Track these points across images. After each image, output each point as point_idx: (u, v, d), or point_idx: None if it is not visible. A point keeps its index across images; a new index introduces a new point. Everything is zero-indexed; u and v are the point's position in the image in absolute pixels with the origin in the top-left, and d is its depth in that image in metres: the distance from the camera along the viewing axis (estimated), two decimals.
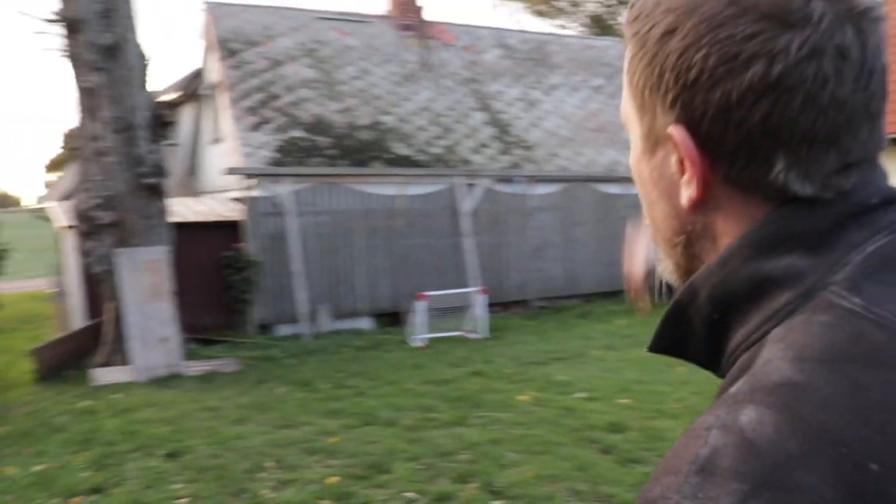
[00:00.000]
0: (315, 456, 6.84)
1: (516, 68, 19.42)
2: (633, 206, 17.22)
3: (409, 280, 14.83)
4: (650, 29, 0.79)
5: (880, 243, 0.73)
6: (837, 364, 0.65)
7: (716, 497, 0.60)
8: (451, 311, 13.88)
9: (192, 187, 20.98)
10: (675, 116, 0.78)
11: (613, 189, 17.42)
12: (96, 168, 11.06)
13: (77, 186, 11.44)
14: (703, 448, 0.64)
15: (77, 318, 13.24)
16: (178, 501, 5.83)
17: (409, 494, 5.87)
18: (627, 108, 0.86)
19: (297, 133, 15.25)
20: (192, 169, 21.15)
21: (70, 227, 12.54)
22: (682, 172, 0.79)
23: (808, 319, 0.70)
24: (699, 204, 0.80)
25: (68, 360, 11.14)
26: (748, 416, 0.63)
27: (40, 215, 18.76)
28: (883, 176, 0.78)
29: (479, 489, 5.87)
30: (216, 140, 18.45)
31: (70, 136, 11.18)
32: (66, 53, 11.29)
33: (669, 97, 0.78)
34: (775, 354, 0.69)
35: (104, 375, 10.35)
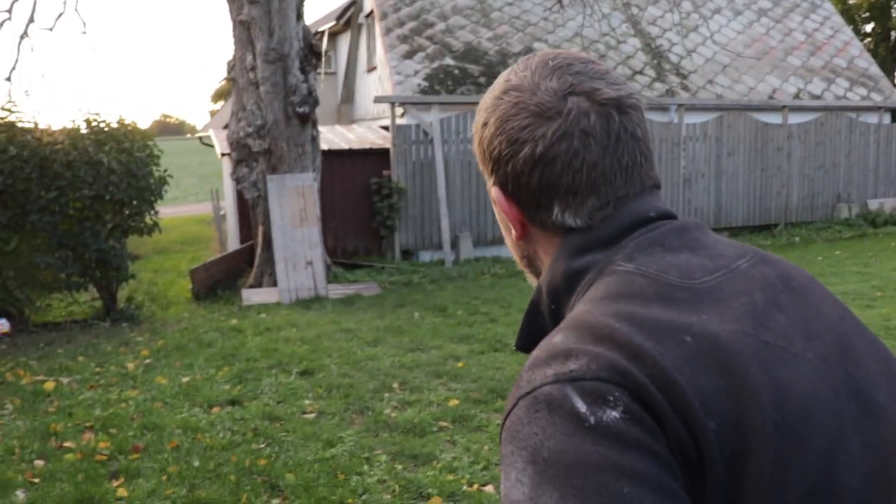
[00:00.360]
0: (440, 379, 7.06)
1: None
2: (791, 136, 16.51)
3: None
4: (478, 122, 1.16)
5: (649, 234, 1.07)
6: (612, 299, 1.00)
7: (543, 372, 0.92)
8: None
9: (347, 115, 21.50)
10: (493, 181, 1.15)
11: (772, 118, 16.69)
12: (250, 97, 11.52)
13: (232, 115, 11.95)
14: (527, 360, 0.98)
15: (232, 241, 13.96)
16: (306, 416, 6.18)
17: None
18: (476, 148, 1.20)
19: (448, 61, 15.34)
20: (349, 97, 21.63)
21: (226, 154, 13.15)
22: (506, 218, 1.17)
23: (599, 283, 1.05)
24: (523, 238, 1.18)
25: (221, 280, 11.81)
26: (556, 336, 0.98)
27: (207, 142, 19.68)
28: (658, 200, 1.13)
29: None
30: (371, 68, 18.79)
31: (230, 67, 11.64)
32: None
33: (489, 168, 1.15)
34: (576, 308, 1.05)
35: (252, 296, 10.92)
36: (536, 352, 0.98)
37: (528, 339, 1.15)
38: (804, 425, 0.91)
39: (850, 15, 30.60)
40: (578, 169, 1.06)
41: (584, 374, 0.89)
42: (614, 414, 0.86)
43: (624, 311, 0.96)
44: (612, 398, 0.87)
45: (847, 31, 20.21)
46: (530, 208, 1.12)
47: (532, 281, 1.24)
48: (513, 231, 1.17)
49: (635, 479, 0.84)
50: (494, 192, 1.15)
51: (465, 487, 4.81)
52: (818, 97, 17.66)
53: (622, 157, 1.08)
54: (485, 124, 1.13)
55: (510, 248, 1.24)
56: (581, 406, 0.87)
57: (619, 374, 0.89)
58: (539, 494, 0.85)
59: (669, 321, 0.94)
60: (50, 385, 6.98)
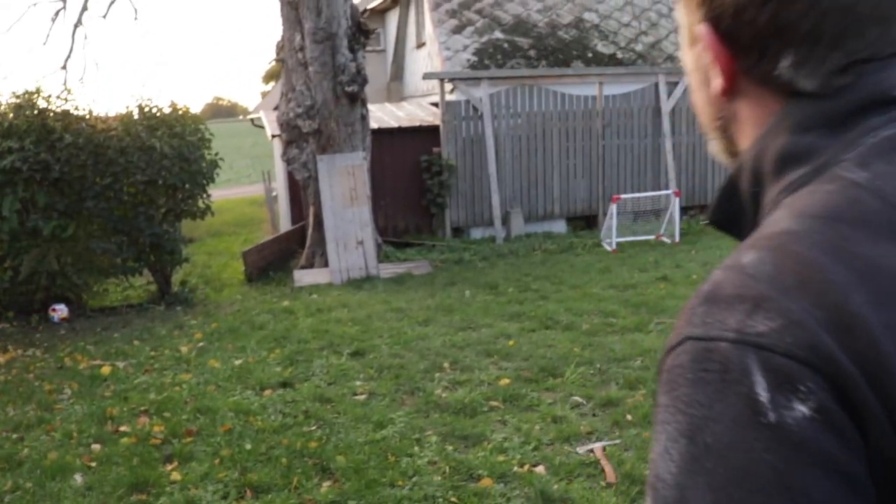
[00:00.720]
0: (490, 358, 7.04)
1: None
2: None
3: (604, 182, 14.64)
4: None
5: (893, 128, 0.80)
6: (831, 220, 0.75)
7: (723, 318, 0.71)
8: (646, 215, 13.65)
9: (398, 92, 21.45)
10: (702, 15, 0.88)
11: None
12: (299, 78, 11.54)
13: (281, 96, 11.99)
14: (705, 286, 0.76)
15: (284, 223, 14.05)
16: (356, 397, 6.20)
17: (576, 398, 5.94)
18: (678, 7, 0.96)
19: (497, 35, 15.20)
20: (398, 74, 21.58)
21: (276, 135, 13.21)
22: (712, 64, 0.90)
23: (816, 188, 0.80)
24: (727, 92, 0.91)
25: (274, 262, 11.90)
26: (749, 257, 0.75)
27: (259, 124, 19.83)
28: None
29: (647, 396, 5.86)
30: (420, 45, 18.70)
31: (278, 48, 11.66)
32: None
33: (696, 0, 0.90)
34: (780, 214, 0.80)
35: (304, 277, 10.99)
36: (721, 275, 0.76)
37: (721, 215, 0.96)
38: None
39: None
40: (828, 9, 0.81)
41: (774, 345, 0.68)
42: (802, 411, 0.67)
43: (845, 248, 0.73)
44: (803, 388, 0.67)
45: None
46: (750, 54, 0.87)
47: (717, 150, 1.00)
48: (713, 83, 0.91)
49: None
50: (703, 29, 0.89)
51: (515, 468, 4.77)
52: None
53: (881, 4, 0.82)
54: None
55: (698, 108, 0.99)
56: (762, 392, 0.67)
57: (821, 357, 0.68)
58: (689, 485, 0.69)
59: None
60: (106, 369, 7.10)
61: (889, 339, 0.67)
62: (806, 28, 0.82)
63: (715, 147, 1.00)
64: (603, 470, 4.74)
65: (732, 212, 0.94)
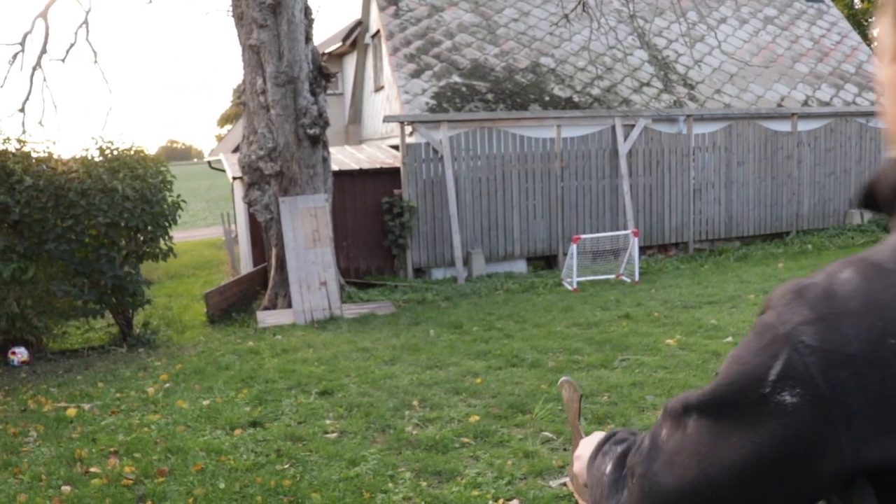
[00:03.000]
0: (459, 395, 7.08)
1: (681, 2, 18.81)
2: (801, 143, 16.52)
3: (564, 223, 14.84)
4: None
5: None
6: None
7: (792, 311, 0.86)
8: (605, 254, 13.83)
9: (355, 135, 21.59)
10: None
11: (781, 126, 16.69)
12: (261, 121, 11.60)
13: (243, 139, 12.02)
14: (807, 281, 0.89)
15: (245, 264, 14.01)
16: (328, 435, 6.20)
17: (547, 434, 6.01)
18: (883, 26, 0.96)
19: (455, 79, 15.41)
20: (356, 117, 21.74)
21: (237, 177, 13.22)
22: None
23: None
24: None
25: (236, 303, 11.85)
26: (846, 274, 0.86)
27: (216, 166, 19.77)
28: None
29: None
30: (378, 88, 18.88)
31: (238, 91, 11.73)
32: (232, 13, 11.84)
33: None
34: (890, 239, 0.90)
35: (267, 318, 10.96)
36: (820, 280, 0.88)
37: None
38: None
39: (856, 20, 30.62)
40: None
41: (805, 351, 0.84)
42: (790, 400, 0.85)
43: None
44: (797, 391, 0.84)
45: (854, 37, 20.22)
46: None
47: None
48: None
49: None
50: None
51: (490, 502, 4.82)
52: (827, 104, 17.65)
53: None
54: None
55: (891, 120, 0.99)
56: (773, 372, 0.86)
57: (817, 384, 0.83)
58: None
59: None
60: (72, 411, 7.02)
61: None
62: None
63: None
64: (577, 503, 4.79)
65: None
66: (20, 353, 9.37)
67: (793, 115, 16.71)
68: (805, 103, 17.43)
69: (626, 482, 1.03)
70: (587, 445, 1.33)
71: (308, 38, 11.83)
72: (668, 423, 0.96)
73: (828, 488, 0.86)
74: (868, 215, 17.21)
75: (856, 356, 0.80)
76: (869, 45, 19.58)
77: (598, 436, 1.34)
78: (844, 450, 0.81)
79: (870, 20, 32.18)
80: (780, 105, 17.13)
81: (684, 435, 0.92)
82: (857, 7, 32.27)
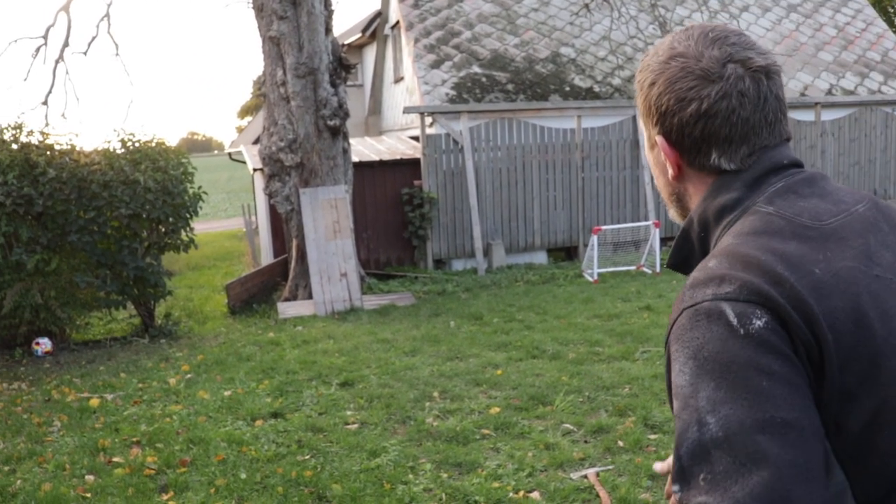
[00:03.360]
0: (479, 387, 7.07)
1: None
2: (825, 133, 16.36)
3: (584, 214, 14.79)
4: (643, 80, 1.41)
5: (784, 181, 1.34)
6: (756, 235, 1.26)
7: (703, 291, 1.21)
8: (626, 245, 13.78)
9: (375, 126, 21.59)
10: (658, 131, 1.40)
11: (804, 116, 16.53)
12: (281, 112, 11.61)
13: (263, 130, 12.05)
14: (688, 281, 1.26)
15: (266, 255, 14.06)
16: (348, 426, 6.21)
17: (567, 426, 5.99)
18: (640, 122, 1.43)
19: (475, 69, 15.37)
20: (376, 108, 21.73)
21: (258, 169, 13.25)
22: (666, 161, 1.41)
23: (744, 220, 1.31)
24: (678, 178, 1.43)
25: (257, 294, 11.90)
26: (711, 261, 1.26)
27: (237, 158, 19.84)
28: (790, 151, 1.38)
29: (636, 423, 5.92)
30: (398, 79, 18.86)
31: (258, 83, 11.74)
32: (252, 4, 11.86)
33: (654, 120, 1.40)
34: (725, 239, 1.31)
35: (288, 309, 10.99)
36: (696, 274, 1.26)
37: (678, 259, 1.47)
38: None
39: (882, 7, 30.27)
40: (735, 123, 1.32)
41: (736, 296, 1.18)
42: (759, 324, 1.15)
43: (767, 246, 1.23)
44: (757, 314, 1.16)
45: (880, 24, 19.99)
46: (691, 153, 1.38)
47: (674, 214, 1.52)
48: (669, 172, 1.42)
49: (772, 375, 1.13)
50: (659, 140, 1.39)
51: (511, 494, 4.81)
52: (851, 92, 17.47)
53: (768, 114, 1.34)
54: (652, 84, 1.38)
55: (660, 188, 1.50)
56: (734, 319, 1.16)
57: (763, 297, 1.17)
58: (699, 382, 1.14)
59: (802, 255, 1.22)
60: (95, 402, 7.07)
61: (801, 285, 1.18)
62: (724, 135, 1.33)
63: (672, 212, 1.52)
64: (598, 495, 4.79)
65: (685, 255, 1.45)
66: (44, 344, 9.46)
67: (816, 104, 16.55)
68: (829, 92, 17.26)
69: None
70: None
71: (328, 30, 11.83)
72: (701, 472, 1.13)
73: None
74: (894, 204, 17.02)
75: (766, 284, 1.19)
76: (895, 32, 19.35)
77: None
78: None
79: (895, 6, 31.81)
80: (803, 94, 16.97)
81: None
82: None
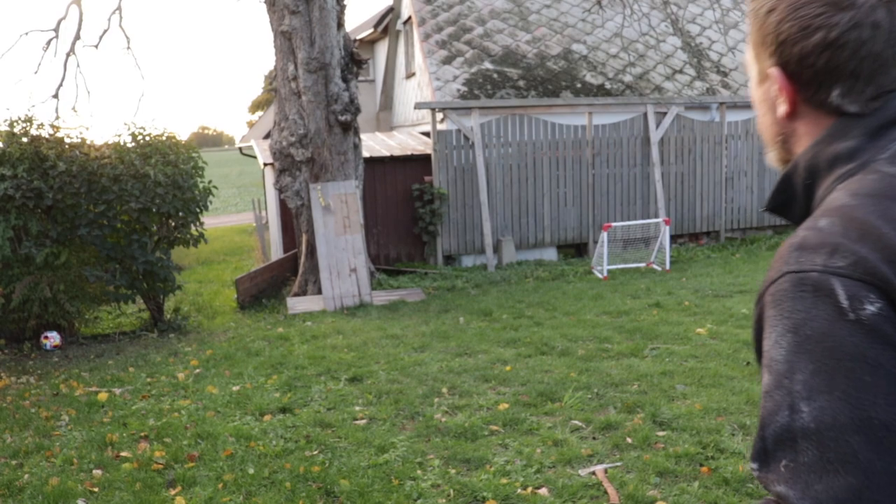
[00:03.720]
0: (488, 383, 7.05)
1: None
2: None
3: (594, 211, 14.75)
4: (758, 8, 1.28)
5: None
6: (876, 197, 1.12)
7: (812, 259, 1.08)
8: (636, 243, 13.73)
9: (386, 122, 21.57)
10: (773, 62, 1.27)
11: None
12: (292, 107, 11.60)
13: (274, 125, 12.04)
14: (795, 239, 1.13)
15: (275, 250, 14.06)
16: (357, 422, 6.19)
17: (576, 422, 5.97)
18: (748, 55, 1.34)
19: (487, 65, 15.34)
20: (388, 104, 21.71)
21: (268, 164, 13.25)
22: (780, 95, 1.27)
23: (862, 178, 1.17)
24: (789, 116, 1.29)
25: (266, 289, 11.90)
26: (823, 221, 1.12)
27: (248, 153, 19.85)
28: None
29: (645, 420, 5.89)
30: (409, 75, 18.84)
31: (269, 78, 11.76)
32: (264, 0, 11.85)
33: (769, 50, 1.26)
34: (838, 195, 1.17)
35: (297, 304, 10.99)
36: (805, 233, 1.14)
37: (777, 203, 1.37)
38: None
39: None
40: (864, 56, 1.19)
41: (850, 273, 1.05)
42: (871, 310, 1.03)
43: (889, 214, 1.10)
44: (871, 297, 1.04)
45: None
46: (809, 88, 1.25)
47: (773, 158, 1.39)
48: (780, 109, 1.30)
49: (878, 370, 1.01)
50: (774, 71, 1.27)
51: (519, 490, 4.79)
52: None
53: None
54: (770, 10, 1.26)
55: (764, 130, 1.38)
56: (844, 301, 1.04)
57: (879, 278, 1.04)
58: (797, 362, 1.05)
59: None
60: (103, 396, 7.07)
61: None
62: (850, 69, 1.19)
63: (771, 156, 1.39)
64: (606, 492, 4.76)
65: (785, 199, 1.34)
66: (53, 338, 9.47)
67: None
68: None
69: None
70: None
71: (340, 25, 11.81)
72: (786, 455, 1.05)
73: None
74: None
75: (876, 256, 1.05)
76: None
77: None
78: None
79: None
80: None
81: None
82: None
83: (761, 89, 1.34)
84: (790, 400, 1.05)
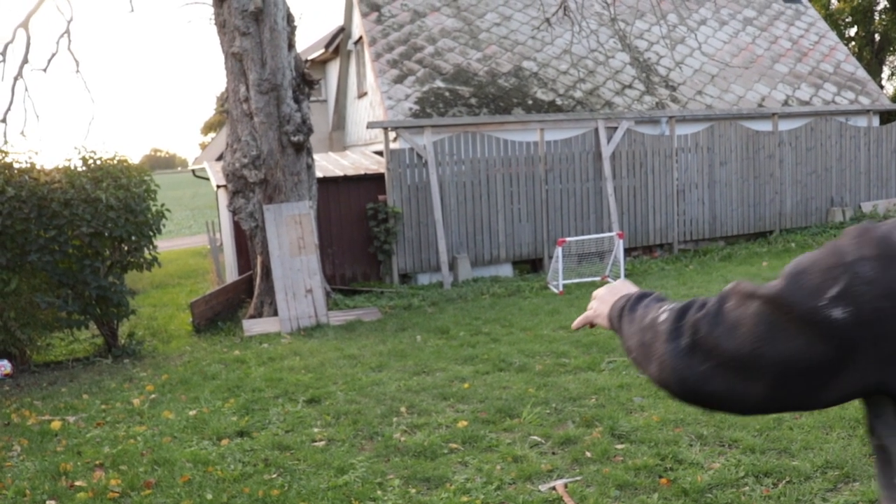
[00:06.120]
0: (447, 401, 7.06)
1: (661, 5, 18.86)
2: (782, 143, 16.59)
3: (549, 226, 14.86)
4: None
5: None
6: None
7: (860, 246, 1.12)
8: (591, 257, 13.85)
9: (339, 142, 21.57)
10: None
11: (762, 126, 16.77)
12: (245, 128, 11.56)
13: (227, 147, 11.98)
14: (876, 224, 1.16)
15: (230, 273, 13.96)
16: (315, 444, 6.17)
17: (535, 437, 6.00)
18: None
19: (438, 84, 15.42)
20: (340, 123, 21.72)
21: (221, 185, 13.17)
22: None
23: None
24: None
25: (221, 312, 11.81)
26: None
27: (201, 175, 19.70)
28: None
29: (604, 433, 5.94)
30: (362, 94, 18.87)
31: (221, 99, 11.68)
32: (215, 21, 11.81)
33: None
34: None
35: (253, 326, 10.92)
36: (885, 224, 1.19)
37: None
38: None
39: (833, 20, 30.80)
40: None
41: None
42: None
43: None
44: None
45: (832, 36, 20.35)
46: None
47: None
48: None
49: None
50: None
51: None
52: (807, 103, 17.76)
53: None
54: None
55: None
56: None
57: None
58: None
59: None
60: (56, 424, 6.96)
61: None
62: None
63: None
64: None
65: None
66: (3, 366, 9.31)
67: (773, 114, 16.79)
68: (785, 103, 17.53)
69: (683, 332, 1.30)
70: (611, 293, 1.74)
71: (291, 46, 11.81)
72: (736, 298, 1.24)
73: (848, 395, 1.15)
74: (850, 212, 17.33)
75: None
76: (846, 45, 19.67)
77: (622, 287, 1.75)
78: (869, 366, 1.09)
79: (846, 20, 32.39)
80: (760, 105, 17.22)
81: (747, 313, 1.20)
82: (833, 7, 32.46)
83: None
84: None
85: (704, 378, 1.25)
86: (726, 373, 1.22)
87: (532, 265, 15.02)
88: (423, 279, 14.15)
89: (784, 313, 1.15)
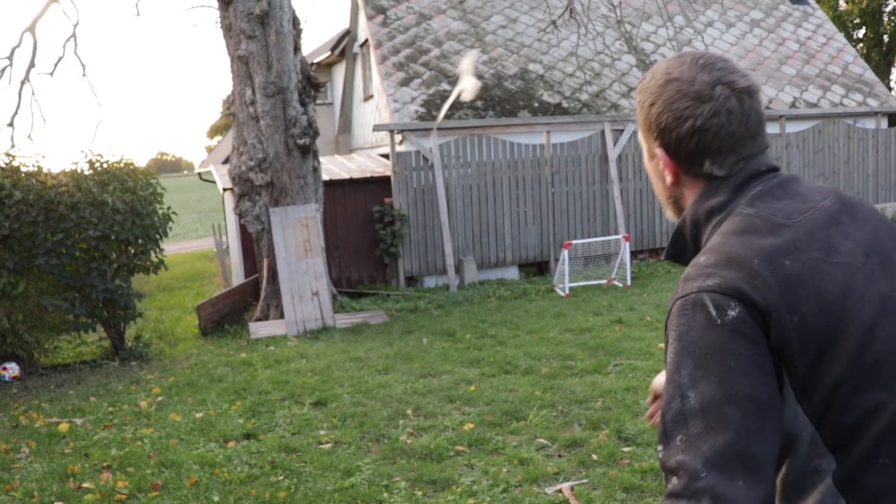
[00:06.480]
0: (453, 403, 7.06)
1: (668, 7, 18.84)
2: (790, 145, 16.56)
3: (555, 229, 14.85)
4: (643, 101, 1.66)
5: (762, 186, 1.59)
6: (739, 234, 1.51)
7: (691, 285, 1.46)
8: (597, 259, 13.85)
9: (345, 145, 21.58)
10: (657, 144, 1.65)
11: (769, 128, 16.65)
12: (251, 132, 11.58)
13: (233, 150, 12.00)
14: (683, 274, 1.52)
15: (237, 275, 13.98)
16: (322, 446, 6.18)
17: (541, 440, 6.00)
18: (641, 137, 1.73)
19: (444, 86, 15.42)
20: (346, 126, 21.73)
21: (228, 189, 13.20)
22: (665, 170, 1.67)
23: (729, 221, 1.56)
24: (675, 184, 1.68)
25: (228, 315, 11.82)
26: (702, 258, 1.51)
27: (207, 178, 19.74)
28: (768, 158, 1.63)
29: (610, 436, 5.94)
30: (367, 97, 18.88)
31: (227, 103, 11.71)
32: (221, 24, 11.84)
33: (654, 135, 1.65)
34: (714, 237, 1.56)
35: (260, 329, 10.93)
36: (689, 269, 1.52)
37: (673, 252, 1.73)
38: (857, 312, 1.43)
39: (841, 21, 30.75)
40: (724, 137, 1.57)
41: (716, 289, 1.43)
42: (732, 314, 1.40)
43: (747, 243, 1.48)
44: (731, 305, 1.41)
45: (840, 38, 20.31)
46: (686, 163, 1.63)
47: (670, 214, 1.76)
48: (667, 179, 1.68)
49: (739, 357, 1.37)
50: (659, 152, 1.66)
51: None
52: (814, 105, 17.73)
53: (751, 128, 1.59)
54: (652, 104, 1.64)
55: (659, 194, 1.76)
56: (712, 310, 1.41)
57: (738, 290, 1.42)
58: (681, 361, 1.41)
59: (776, 249, 1.45)
60: (64, 427, 6.98)
61: (772, 277, 1.42)
62: (715, 147, 1.58)
63: (668, 213, 1.76)
64: None
65: (679, 249, 1.71)
66: (11, 369, 9.34)
67: (780, 117, 16.76)
68: (792, 105, 17.49)
69: None
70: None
71: (296, 49, 11.83)
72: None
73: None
74: None
75: (741, 280, 1.43)
76: (854, 47, 19.67)
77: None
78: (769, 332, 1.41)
79: (855, 21, 32.33)
80: (767, 107, 17.17)
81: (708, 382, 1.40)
82: (841, 9, 32.42)
83: (651, 164, 1.72)
84: (680, 390, 1.39)
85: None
86: None
87: (538, 268, 15.01)
88: (430, 282, 14.15)
89: (707, 356, 1.43)
